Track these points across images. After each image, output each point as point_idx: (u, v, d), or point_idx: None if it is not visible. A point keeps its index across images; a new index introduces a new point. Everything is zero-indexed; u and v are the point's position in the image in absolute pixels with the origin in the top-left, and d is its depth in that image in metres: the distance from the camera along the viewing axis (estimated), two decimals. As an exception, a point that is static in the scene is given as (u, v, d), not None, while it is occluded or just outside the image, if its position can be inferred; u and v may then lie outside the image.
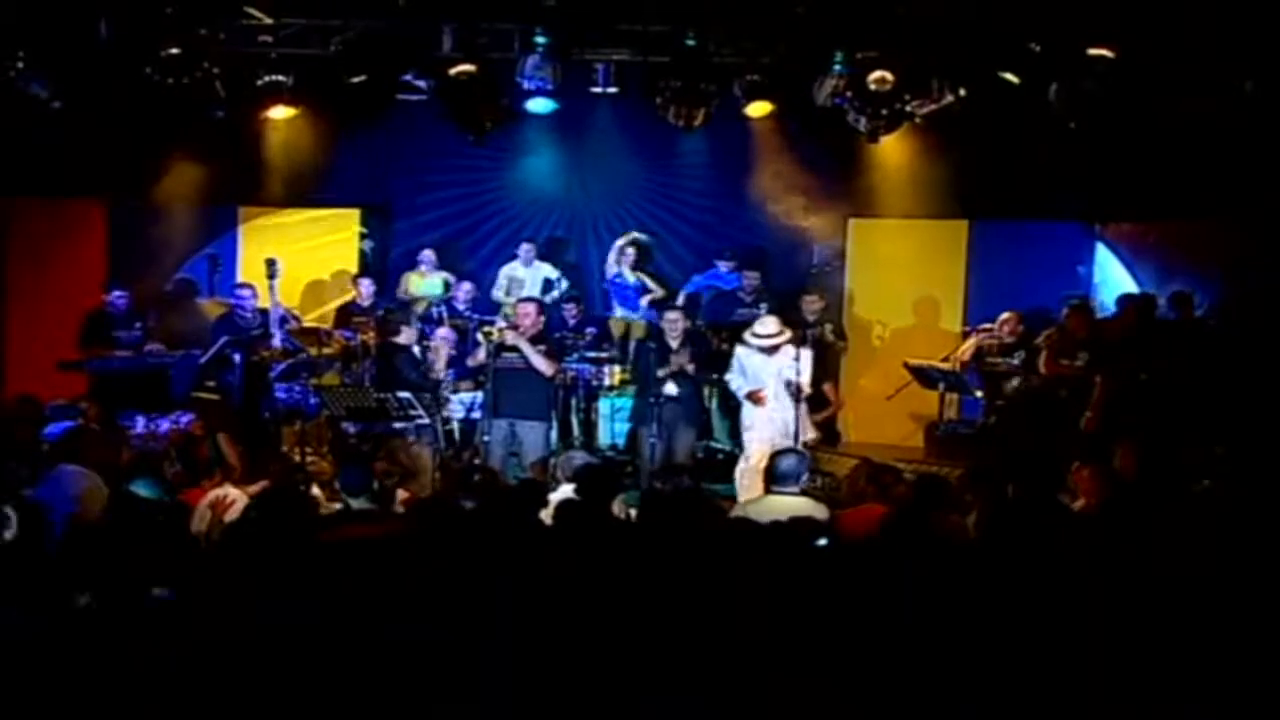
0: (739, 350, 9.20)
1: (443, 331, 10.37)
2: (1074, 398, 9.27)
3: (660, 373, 9.23)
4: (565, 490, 6.69)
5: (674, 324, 9.30)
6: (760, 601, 4.18)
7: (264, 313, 10.18)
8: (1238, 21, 8.54)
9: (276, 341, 9.97)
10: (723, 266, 11.68)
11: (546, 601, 4.22)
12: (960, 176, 10.80)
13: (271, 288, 10.11)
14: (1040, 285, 10.54)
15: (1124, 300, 10.22)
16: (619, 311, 11.73)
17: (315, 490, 7.00)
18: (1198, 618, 4.13)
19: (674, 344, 9.15)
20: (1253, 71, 8.88)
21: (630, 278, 11.69)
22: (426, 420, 8.92)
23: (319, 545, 5.10)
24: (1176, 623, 4.11)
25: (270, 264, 10.11)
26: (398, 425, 8.78)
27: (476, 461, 8.90)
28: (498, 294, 11.69)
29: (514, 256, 11.82)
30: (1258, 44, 8.65)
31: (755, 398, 8.95)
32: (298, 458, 8.82)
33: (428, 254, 11.75)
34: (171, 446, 7.72)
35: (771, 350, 8.96)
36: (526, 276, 11.70)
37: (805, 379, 8.95)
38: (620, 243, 11.72)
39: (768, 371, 9.01)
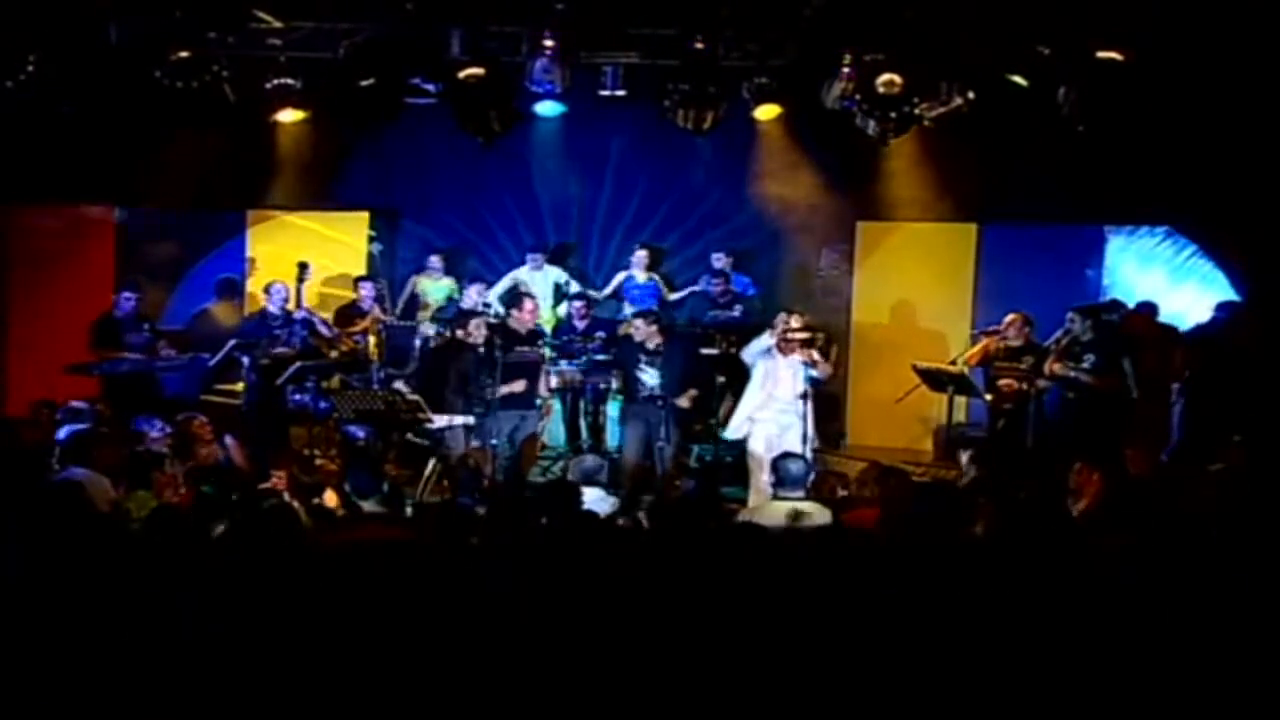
0: (757, 346, 9.16)
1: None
2: (1080, 401, 9.25)
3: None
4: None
5: (639, 330, 9.34)
6: (764, 605, 4.18)
7: (289, 314, 10.27)
8: (1243, 23, 8.52)
9: (296, 344, 10.03)
10: (716, 264, 11.67)
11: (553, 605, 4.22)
12: (969, 180, 10.79)
13: (300, 290, 10.20)
14: (1049, 289, 10.51)
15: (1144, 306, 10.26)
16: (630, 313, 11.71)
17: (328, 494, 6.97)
18: (1199, 621, 4.12)
19: (651, 346, 9.19)
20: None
21: (642, 279, 11.69)
22: (435, 423, 8.93)
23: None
24: (1177, 624, 4.11)
25: (302, 267, 10.30)
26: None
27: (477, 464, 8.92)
28: (493, 294, 11.61)
29: (523, 262, 11.83)
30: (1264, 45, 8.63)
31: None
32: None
33: (434, 259, 11.77)
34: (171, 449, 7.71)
35: (789, 349, 8.92)
36: (536, 281, 11.68)
37: (824, 369, 9.07)
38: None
39: (784, 370, 8.98)
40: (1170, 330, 10.13)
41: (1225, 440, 7.91)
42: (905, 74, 9.40)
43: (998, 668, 3.94)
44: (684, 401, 9.11)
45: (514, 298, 10.47)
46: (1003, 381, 9.63)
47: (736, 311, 11.22)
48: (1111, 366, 9.24)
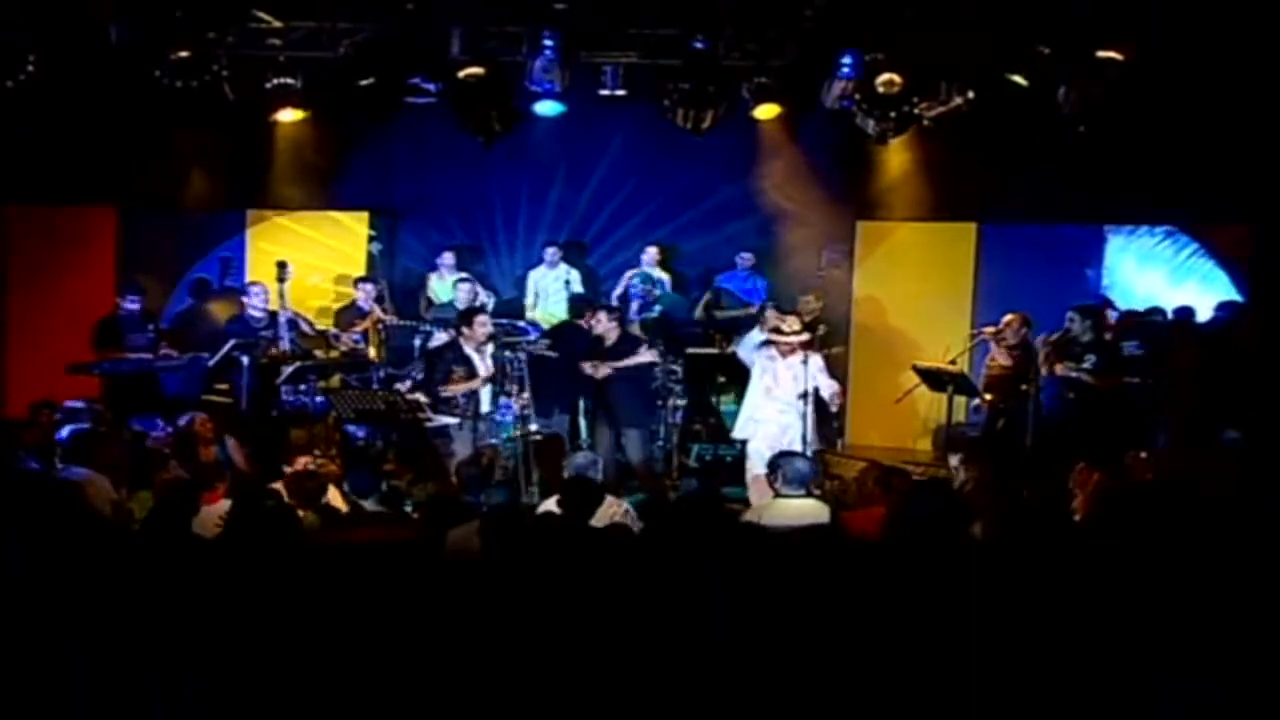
0: (750, 342, 9.15)
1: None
2: (1080, 401, 9.25)
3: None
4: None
5: (599, 323, 9.38)
6: (764, 605, 4.18)
7: (273, 314, 10.23)
8: (1243, 23, 8.52)
9: (284, 344, 9.99)
10: (743, 264, 11.71)
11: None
12: (969, 179, 10.80)
13: (281, 290, 10.16)
14: (1049, 288, 10.51)
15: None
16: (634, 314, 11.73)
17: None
18: (1198, 621, 4.13)
19: (609, 341, 9.22)
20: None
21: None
22: (438, 422, 8.93)
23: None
24: (1176, 624, 4.11)
25: (281, 266, 10.21)
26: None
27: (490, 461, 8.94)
28: (527, 301, 11.76)
29: (540, 260, 11.86)
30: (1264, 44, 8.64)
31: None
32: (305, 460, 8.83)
33: (447, 256, 11.76)
34: (173, 449, 7.71)
35: (788, 350, 8.92)
36: (548, 279, 11.70)
37: (825, 383, 8.95)
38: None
39: (784, 372, 8.97)
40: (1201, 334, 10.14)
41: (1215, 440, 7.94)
42: (905, 73, 9.42)
43: (996, 668, 3.94)
44: (590, 369, 9.11)
45: (583, 304, 10.39)
46: (994, 364, 9.66)
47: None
48: (1114, 367, 9.26)
